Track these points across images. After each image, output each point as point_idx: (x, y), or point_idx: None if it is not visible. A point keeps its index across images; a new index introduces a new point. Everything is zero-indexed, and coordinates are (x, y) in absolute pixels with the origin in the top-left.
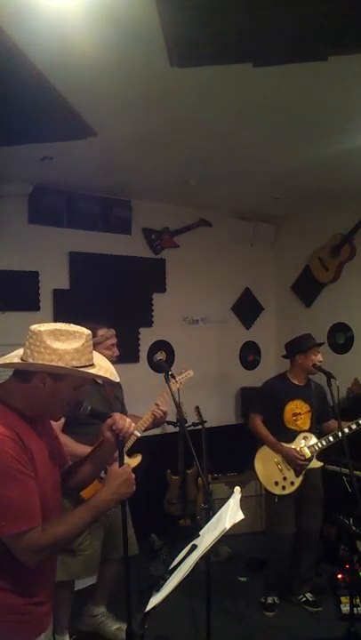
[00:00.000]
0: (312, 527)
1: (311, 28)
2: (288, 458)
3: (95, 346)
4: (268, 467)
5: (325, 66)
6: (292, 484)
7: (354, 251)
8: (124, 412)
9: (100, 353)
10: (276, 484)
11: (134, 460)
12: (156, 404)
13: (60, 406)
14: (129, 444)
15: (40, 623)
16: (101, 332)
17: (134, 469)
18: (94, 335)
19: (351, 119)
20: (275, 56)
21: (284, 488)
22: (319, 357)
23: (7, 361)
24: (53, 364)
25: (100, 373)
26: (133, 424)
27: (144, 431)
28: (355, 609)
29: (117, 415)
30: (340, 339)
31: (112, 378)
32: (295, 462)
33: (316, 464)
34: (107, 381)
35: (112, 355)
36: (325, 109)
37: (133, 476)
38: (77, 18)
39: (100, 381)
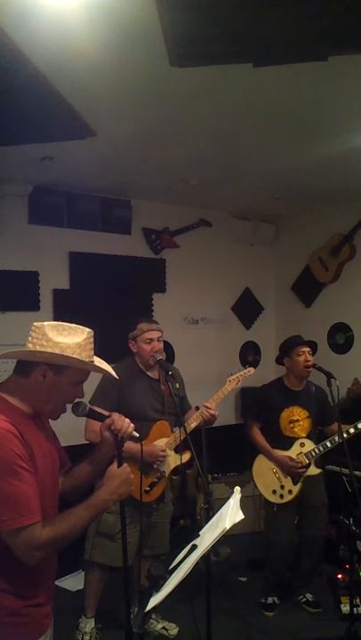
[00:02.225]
0: (314, 535)
1: (311, 28)
2: (283, 466)
3: (135, 339)
4: (265, 476)
5: (325, 66)
6: (290, 492)
7: (354, 251)
8: (182, 408)
9: (140, 347)
10: (274, 492)
11: (185, 456)
12: (206, 407)
13: (60, 403)
14: (176, 441)
15: (40, 625)
16: (141, 325)
17: (182, 465)
18: (134, 328)
19: (351, 119)
20: (275, 56)
21: (282, 497)
22: (305, 357)
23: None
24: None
25: (102, 366)
26: (132, 425)
27: (192, 430)
28: (355, 609)
29: (116, 415)
30: (340, 339)
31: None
32: (290, 470)
33: (314, 471)
34: (165, 378)
35: (151, 350)
36: (325, 109)
37: (132, 476)
38: (77, 18)
39: (154, 377)
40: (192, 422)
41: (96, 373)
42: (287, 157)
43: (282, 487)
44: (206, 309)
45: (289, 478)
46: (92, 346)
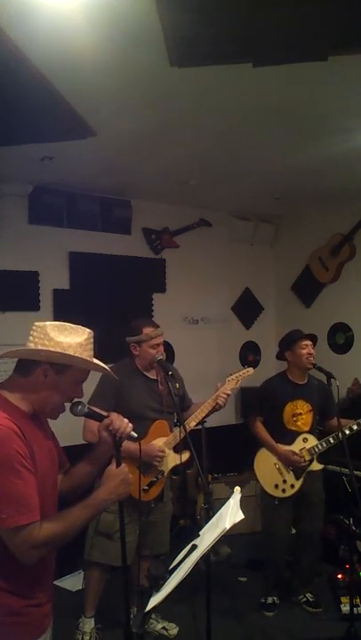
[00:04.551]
0: (313, 529)
1: (311, 28)
2: (286, 460)
3: (140, 344)
4: (267, 469)
5: (325, 66)
6: (293, 486)
7: (354, 251)
8: (183, 405)
9: (145, 352)
10: (276, 486)
11: (184, 456)
12: (223, 391)
13: (60, 402)
14: (175, 440)
15: (39, 625)
16: (146, 330)
17: (182, 464)
18: (139, 333)
19: (351, 119)
20: (275, 56)
21: (284, 491)
22: (308, 350)
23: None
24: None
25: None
26: (131, 425)
27: (206, 416)
28: (355, 609)
29: (114, 415)
30: (340, 339)
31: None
32: (294, 464)
33: (316, 466)
34: (164, 377)
35: (155, 354)
36: (325, 109)
37: (130, 476)
38: (77, 18)
39: (152, 377)
40: (203, 410)
41: (94, 374)
42: (287, 157)
43: (284, 481)
44: (206, 309)
45: (291, 473)
46: (92, 346)
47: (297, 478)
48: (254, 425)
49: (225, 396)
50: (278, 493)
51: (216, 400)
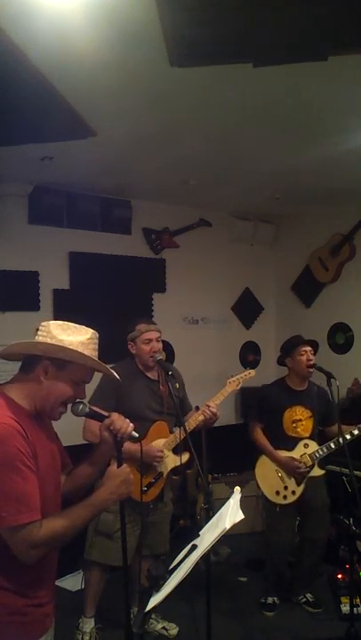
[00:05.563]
0: (317, 536)
1: (311, 28)
2: (287, 468)
3: (134, 340)
4: (268, 476)
5: (325, 66)
6: (294, 493)
7: (354, 251)
8: (182, 409)
9: (139, 348)
10: (278, 493)
11: (183, 458)
12: (207, 405)
13: (59, 402)
14: (175, 441)
15: (41, 624)
16: (139, 326)
17: (182, 466)
18: (132, 329)
19: (351, 119)
20: (275, 56)
21: (285, 497)
22: (307, 356)
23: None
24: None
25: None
26: (132, 425)
27: (193, 430)
28: (355, 609)
29: (115, 415)
30: (340, 339)
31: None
32: (294, 471)
33: (317, 472)
34: (165, 378)
35: (150, 350)
36: (325, 109)
37: (132, 476)
38: (77, 18)
39: (153, 377)
40: (193, 422)
41: (97, 375)
42: (287, 157)
43: (285, 488)
44: (206, 309)
45: (292, 479)
46: (96, 347)
47: (298, 484)
48: (254, 432)
49: (209, 412)
50: (280, 500)
51: (202, 414)
